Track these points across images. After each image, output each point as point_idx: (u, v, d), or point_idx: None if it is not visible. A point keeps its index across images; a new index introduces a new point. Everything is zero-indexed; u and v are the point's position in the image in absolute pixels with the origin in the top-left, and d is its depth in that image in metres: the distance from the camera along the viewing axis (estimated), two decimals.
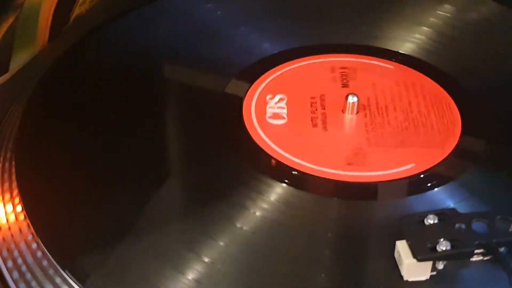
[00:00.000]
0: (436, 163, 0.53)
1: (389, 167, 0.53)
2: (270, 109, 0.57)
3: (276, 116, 0.57)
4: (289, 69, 0.62)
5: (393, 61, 0.63)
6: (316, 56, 0.63)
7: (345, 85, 0.60)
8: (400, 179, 0.52)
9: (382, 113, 0.57)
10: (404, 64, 0.62)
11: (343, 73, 0.61)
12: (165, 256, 0.47)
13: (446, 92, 0.60)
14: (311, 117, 0.57)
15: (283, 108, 0.58)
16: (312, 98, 0.59)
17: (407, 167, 0.53)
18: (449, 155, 0.54)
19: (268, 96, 0.58)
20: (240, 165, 0.53)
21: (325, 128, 0.56)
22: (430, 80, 0.61)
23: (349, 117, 0.57)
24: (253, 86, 0.60)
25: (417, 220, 0.47)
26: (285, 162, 0.53)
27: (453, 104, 0.59)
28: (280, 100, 0.58)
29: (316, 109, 0.58)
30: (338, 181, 0.52)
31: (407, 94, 0.59)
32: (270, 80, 0.60)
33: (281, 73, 0.61)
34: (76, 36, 0.65)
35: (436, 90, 0.60)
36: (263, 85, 0.60)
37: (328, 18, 0.68)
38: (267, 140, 0.55)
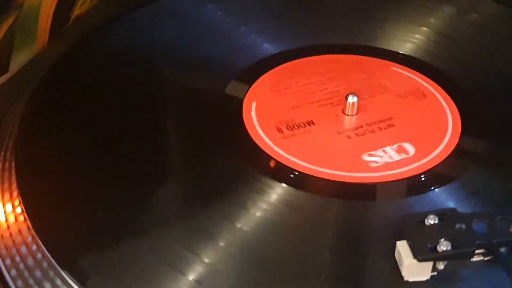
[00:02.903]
0: (436, 163, 0.53)
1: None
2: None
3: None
4: (288, 69, 0.62)
5: (393, 61, 0.63)
6: (316, 56, 0.63)
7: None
8: (400, 179, 0.52)
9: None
10: (404, 64, 0.62)
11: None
12: (165, 256, 0.47)
13: (445, 91, 0.60)
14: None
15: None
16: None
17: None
18: (449, 155, 0.54)
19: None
20: (240, 165, 0.53)
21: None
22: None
23: (349, 117, 0.57)
24: (253, 86, 0.60)
25: (418, 220, 0.47)
26: (285, 163, 0.53)
27: (448, 96, 0.59)
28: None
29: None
30: (338, 181, 0.52)
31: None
32: (270, 80, 0.60)
33: (279, 75, 0.61)
34: (76, 36, 0.65)
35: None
36: (263, 85, 0.60)
37: (328, 18, 0.68)
38: (267, 140, 0.55)
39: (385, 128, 0.56)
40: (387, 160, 0.54)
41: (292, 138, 0.55)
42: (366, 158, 0.54)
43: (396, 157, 0.54)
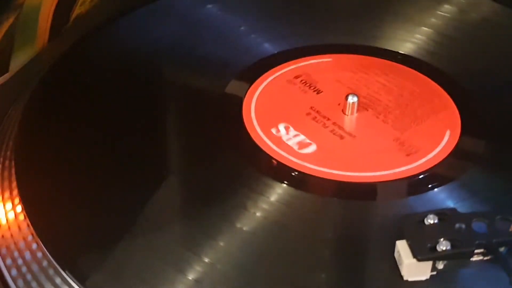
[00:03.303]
0: (436, 163, 0.53)
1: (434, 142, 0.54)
2: (291, 142, 0.55)
3: (303, 145, 0.55)
4: (288, 69, 0.62)
5: (393, 61, 0.63)
6: (316, 56, 0.63)
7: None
8: (400, 179, 0.52)
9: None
10: (404, 64, 0.62)
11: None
12: (165, 256, 0.47)
13: (445, 91, 0.60)
14: (330, 131, 0.57)
15: (298, 135, 0.56)
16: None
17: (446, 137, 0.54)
18: (449, 155, 0.54)
19: (273, 130, 0.56)
20: (240, 165, 0.53)
21: (352, 136, 0.56)
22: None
23: (349, 117, 0.57)
24: (253, 86, 0.60)
25: (417, 220, 0.47)
26: (285, 163, 0.53)
27: (448, 96, 0.59)
28: (286, 129, 0.57)
29: (325, 123, 0.57)
30: (338, 181, 0.52)
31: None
32: (270, 81, 0.60)
33: (277, 76, 0.61)
34: (76, 36, 0.65)
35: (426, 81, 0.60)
36: (263, 85, 0.60)
37: (328, 18, 0.68)
38: (267, 140, 0.55)
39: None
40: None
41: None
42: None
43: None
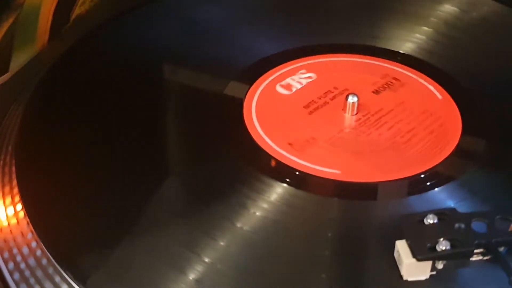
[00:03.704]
0: (436, 163, 0.53)
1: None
2: (290, 80, 0.59)
3: (287, 86, 0.58)
4: (288, 69, 0.62)
5: (393, 61, 0.63)
6: (316, 56, 0.63)
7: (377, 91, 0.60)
8: (400, 179, 0.52)
9: (379, 117, 0.58)
10: (404, 64, 0.62)
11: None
12: (165, 256, 0.47)
13: (445, 91, 0.60)
14: (312, 101, 0.58)
15: (300, 83, 0.59)
16: (334, 88, 0.59)
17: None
18: (449, 155, 0.54)
19: (302, 71, 0.60)
20: (241, 165, 0.53)
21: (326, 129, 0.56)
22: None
23: (349, 117, 0.57)
24: (253, 86, 0.60)
25: (417, 220, 0.47)
26: (286, 162, 0.53)
27: (448, 96, 0.59)
28: (308, 77, 0.60)
29: (325, 98, 0.58)
30: (338, 181, 0.52)
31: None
32: (270, 81, 0.60)
33: (279, 74, 0.61)
34: (76, 36, 0.65)
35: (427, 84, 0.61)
36: (263, 85, 0.60)
37: (328, 18, 0.68)
38: (267, 140, 0.55)
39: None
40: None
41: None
42: None
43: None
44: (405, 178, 0.53)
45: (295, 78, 0.60)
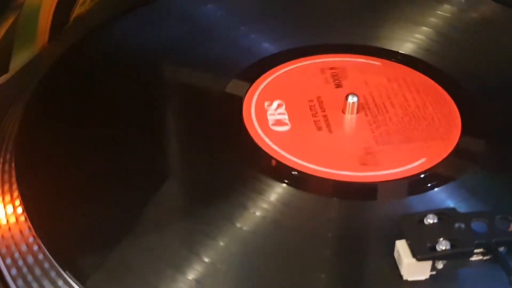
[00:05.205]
0: (436, 163, 0.53)
1: (400, 164, 0.53)
2: (272, 116, 0.57)
3: (279, 123, 0.57)
4: (287, 70, 0.62)
5: (393, 61, 0.63)
6: (316, 56, 0.63)
7: (338, 85, 0.60)
8: (400, 179, 0.52)
9: (382, 111, 0.57)
10: (405, 64, 0.62)
11: (335, 74, 0.61)
12: (165, 256, 0.47)
13: (445, 91, 0.60)
14: (314, 120, 0.57)
15: (283, 114, 0.57)
16: (309, 101, 0.59)
17: (419, 162, 0.53)
18: (449, 155, 0.54)
19: (266, 103, 0.58)
20: (241, 165, 0.53)
21: (329, 130, 0.56)
22: (419, 74, 0.61)
23: (350, 117, 0.57)
24: (253, 86, 0.60)
25: (417, 219, 0.47)
26: (285, 162, 0.53)
27: (448, 96, 0.59)
28: (279, 106, 0.58)
29: (317, 112, 0.57)
30: (338, 181, 0.52)
31: (400, 89, 0.59)
32: (270, 81, 0.60)
33: (278, 75, 0.61)
34: (76, 36, 0.65)
35: (428, 82, 0.60)
36: (263, 85, 0.60)
37: (328, 18, 0.68)
38: (267, 140, 0.55)
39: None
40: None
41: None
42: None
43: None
44: (405, 178, 0.53)
45: (273, 113, 0.58)
